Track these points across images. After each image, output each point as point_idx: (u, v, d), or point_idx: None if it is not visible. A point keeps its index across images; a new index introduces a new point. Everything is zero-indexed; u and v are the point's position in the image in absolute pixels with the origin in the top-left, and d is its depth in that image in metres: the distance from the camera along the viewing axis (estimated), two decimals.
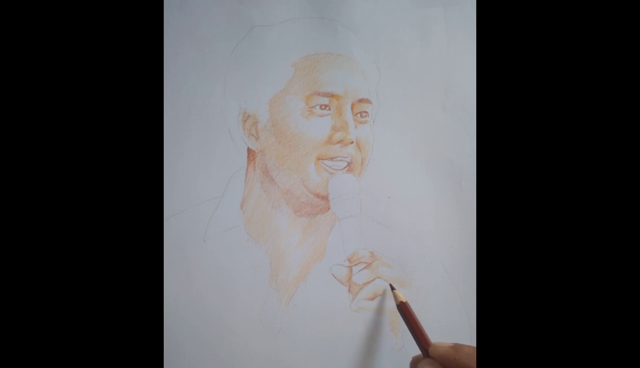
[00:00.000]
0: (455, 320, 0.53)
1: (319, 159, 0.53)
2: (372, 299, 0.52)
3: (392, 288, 0.51)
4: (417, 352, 0.47)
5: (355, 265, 0.52)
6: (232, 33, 0.54)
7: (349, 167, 0.53)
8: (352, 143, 0.53)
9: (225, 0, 0.55)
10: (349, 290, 0.52)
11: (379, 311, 0.52)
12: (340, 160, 0.53)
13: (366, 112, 0.55)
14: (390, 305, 0.52)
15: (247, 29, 0.54)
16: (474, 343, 0.52)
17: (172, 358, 0.49)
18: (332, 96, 0.53)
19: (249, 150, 0.53)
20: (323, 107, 0.53)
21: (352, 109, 0.54)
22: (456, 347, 0.43)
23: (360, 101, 0.54)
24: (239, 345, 0.50)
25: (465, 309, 0.53)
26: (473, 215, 0.54)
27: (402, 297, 0.49)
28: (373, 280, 0.52)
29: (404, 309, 0.49)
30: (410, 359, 0.48)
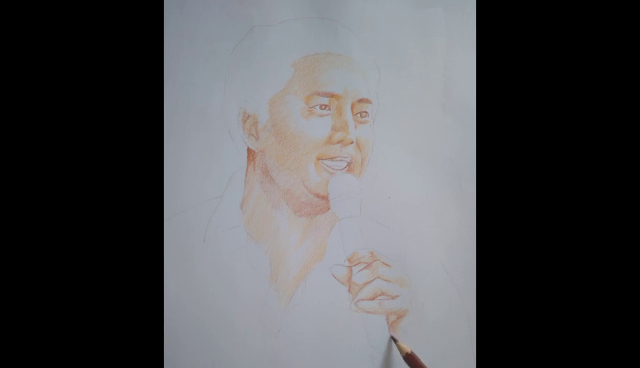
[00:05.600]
0: (455, 320, 0.53)
1: (319, 159, 0.53)
2: (372, 299, 0.52)
3: (395, 341, 0.50)
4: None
5: (355, 265, 0.52)
6: (232, 33, 0.54)
7: (349, 167, 0.53)
8: (352, 143, 0.53)
9: (225, 0, 0.55)
10: (349, 290, 0.52)
11: (379, 311, 0.52)
12: (340, 160, 0.53)
13: (366, 112, 0.55)
14: (390, 306, 0.52)
15: (247, 29, 0.54)
16: (473, 343, 0.52)
17: (172, 358, 0.49)
18: (332, 96, 0.53)
19: (249, 150, 0.53)
20: (323, 107, 0.53)
21: (352, 109, 0.54)
22: None
23: (360, 101, 0.54)
24: (239, 344, 0.50)
25: (465, 309, 0.53)
26: (473, 215, 0.54)
27: (408, 348, 0.49)
28: (373, 280, 0.52)
29: (410, 360, 0.48)
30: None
